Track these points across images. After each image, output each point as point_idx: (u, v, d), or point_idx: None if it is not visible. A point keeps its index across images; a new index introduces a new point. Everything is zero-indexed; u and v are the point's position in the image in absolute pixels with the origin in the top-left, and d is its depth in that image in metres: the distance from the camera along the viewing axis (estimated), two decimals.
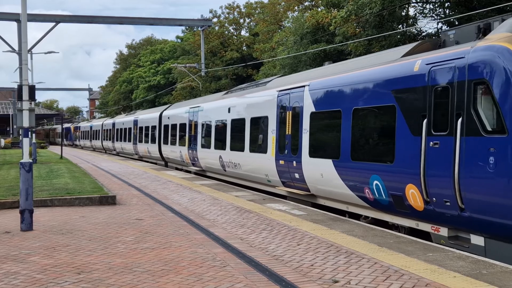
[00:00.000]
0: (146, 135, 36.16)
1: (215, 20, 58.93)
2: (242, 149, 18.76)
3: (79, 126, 74.79)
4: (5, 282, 7.16)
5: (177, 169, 29.37)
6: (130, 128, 41.81)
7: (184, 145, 26.83)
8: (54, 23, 29.35)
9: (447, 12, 26.68)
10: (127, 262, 8.21)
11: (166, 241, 9.76)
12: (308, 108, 14.28)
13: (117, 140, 47.00)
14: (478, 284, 6.85)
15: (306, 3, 42.79)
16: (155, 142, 33.41)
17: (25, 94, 11.43)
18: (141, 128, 37.91)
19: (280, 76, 19.87)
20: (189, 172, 26.58)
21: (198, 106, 25.27)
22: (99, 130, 57.34)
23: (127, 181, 21.12)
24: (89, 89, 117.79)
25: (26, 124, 11.49)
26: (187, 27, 70.97)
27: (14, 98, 58.13)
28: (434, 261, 8.02)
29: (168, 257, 8.52)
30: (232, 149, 19.86)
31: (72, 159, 36.84)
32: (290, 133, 15.29)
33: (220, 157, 21.05)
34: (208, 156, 22.99)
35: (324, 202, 14.15)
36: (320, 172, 13.53)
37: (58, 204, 14.42)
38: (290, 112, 15.37)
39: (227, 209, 13.52)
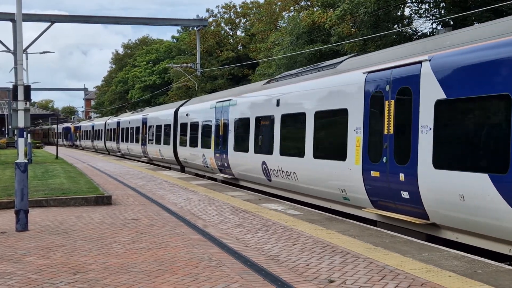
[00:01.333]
0: (158, 135, 31.58)
1: (211, 19, 58.95)
2: (300, 154, 14.50)
3: (80, 126, 70.19)
4: (1, 283, 7.14)
5: (197, 175, 24.95)
6: (138, 128, 37.35)
7: (209, 147, 22.26)
8: (49, 23, 29.31)
9: (443, 12, 26.74)
10: (123, 262, 8.21)
11: (162, 241, 9.76)
12: (431, 94, 9.84)
13: (122, 141, 42.47)
14: (473, 283, 6.87)
15: (302, 3, 42.81)
16: (169, 144, 28.81)
17: (20, 94, 11.41)
18: (151, 127, 33.63)
19: (355, 55, 14.89)
20: (215, 179, 22.18)
21: (229, 100, 20.61)
22: (101, 130, 52.90)
23: (122, 181, 21.10)
24: (85, 89, 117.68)
25: (21, 124, 11.46)
26: (182, 27, 70.99)
27: (9, 98, 57.88)
28: (429, 261, 8.04)
29: (164, 257, 8.52)
30: (283, 153, 15.71)
31: (67, 159, 36.76)
32: (392, 132, 10.86)
33: (264, 163, 16.92)
34: (245, 162, 18.73)
35: (459, 238, 9.67)
36: (458, 193, 9.13)
37: (53, 204, 14.39)
38: (392, 102, 10.86)
39: (223, 209, 13.52)
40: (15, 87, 11.77)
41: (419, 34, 28.08)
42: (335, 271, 7.58)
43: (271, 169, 16.45)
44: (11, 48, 31.47)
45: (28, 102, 12.31)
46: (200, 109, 24.54)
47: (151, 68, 75.11)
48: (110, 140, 48.23)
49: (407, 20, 28.82)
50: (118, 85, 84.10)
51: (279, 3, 46.46)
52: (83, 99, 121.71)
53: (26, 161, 11.31)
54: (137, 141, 37.64)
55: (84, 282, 7.17)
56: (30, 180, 17.77)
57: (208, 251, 8.88)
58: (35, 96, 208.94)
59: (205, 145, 22.89)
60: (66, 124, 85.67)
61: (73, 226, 11.29)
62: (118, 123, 44.57)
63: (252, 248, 9.06)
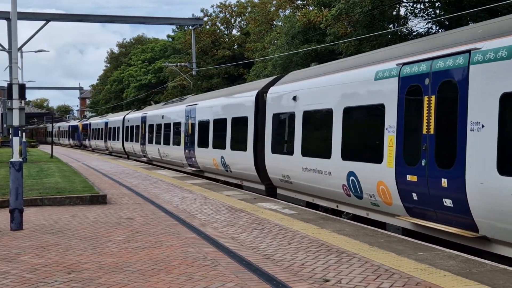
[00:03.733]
0: (220, 135, 20.63)
1: (206, 19, 58.94)
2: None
3: (89, 123, 58.65)
4: None
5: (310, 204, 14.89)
6: (177, 124, 26.79)
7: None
8: (44, 22, 29.23)
9: (438, 12, 26.80)
10: (118, 261, 8.19)
11: (157, 240, 9.74)
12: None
13: (150, 142, 32.51)
14: (468, 283, 6.89)
15: (298, 2, 42.83)
16: (243, 148, 18.26)
17: (15, 93, 11.37)
18: (203, 123, 22.79)
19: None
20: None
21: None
22: (118, 128, 42.78)
23: (118, 180, 21.06)
24: (80, 88, 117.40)
25: (16, 123, 11.42)
26: (178, 26, 70.95)
27: (4, 97, 57.70)
28: (424, 260, 8.06)
29: (159, 256, 8.50)
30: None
31: (62, 159, 36.67)
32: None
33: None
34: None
35: None
36: None
37: (48, 204, 14.36)
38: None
39: (218, 208, 13.52)
40: (10, 86, 11.73)
41: (414, 33, 28.14)
42: (330, 270, 7.59)
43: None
44: (6, 46, 31.38)
45: (23, 101, 12.27)
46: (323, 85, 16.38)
47: (146, 67, 75.02)
48: (131, 141, 38.13)
49: (402, 19, 28.88)
50: (114, 84, 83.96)
51: (274, 1, 46.48)
52: (78, 98, 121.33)
53: (21, 160, 11.28)
54: (176, 143, 26.84)
55: (78, 281, 7.15)
56: (25, 179, 17.72)
57: (203, 250, 8.88)
58: (31, 95, 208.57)
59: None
60: (72, 122, 75.92)
61: (68, 225, 11.27)
62: (143, 119, 34.66)
63: (247, 247, 9.06)
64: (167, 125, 28.58)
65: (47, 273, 7.57)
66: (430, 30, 27.52)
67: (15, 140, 11.50)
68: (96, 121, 55.22)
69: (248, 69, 48.29)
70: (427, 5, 27.93)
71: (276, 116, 16.22)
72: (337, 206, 13.13)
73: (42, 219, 12.06)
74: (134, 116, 38.30)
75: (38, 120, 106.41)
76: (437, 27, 27.35)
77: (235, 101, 20.15)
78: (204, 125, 22.55)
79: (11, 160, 11.04)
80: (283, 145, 15.76)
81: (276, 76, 19.07)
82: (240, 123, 18.83)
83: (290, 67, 32.57)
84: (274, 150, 16.15)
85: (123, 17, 36.91)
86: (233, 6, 61.04)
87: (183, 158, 25.52)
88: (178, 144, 26.22)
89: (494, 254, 8.70)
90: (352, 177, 11.84)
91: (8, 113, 11.59)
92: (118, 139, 43.07)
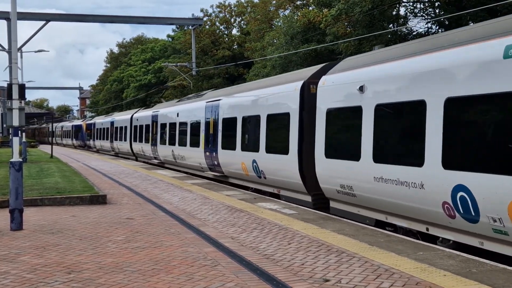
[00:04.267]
0: (251, 135, 17.69)
1: (205, 19, 58.98)
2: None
3: (94, 123, 55.21)
4: None
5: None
6: (195, 123, 23.41)
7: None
8: (44, 22, 29.24)
9: (437, 11, 26.81)
10: (118, 261, 8.19)
11: (157, 240, 9.74)
12: None
13: (162, 143, 29.24)
14: (468, 282, 6.89)
15: (298, 2, 42.86)
16: (284, 150, 15.31)
17: (15, 93, 11.38)
18: (228, 121, 19.60)
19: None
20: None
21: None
22: (125, 127, 39.73)
23: (118, 180, 21.06)
24: (80, 88, 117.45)
25: (16, 123, 11.43)
26: (178, 26, 70.97)
27: (4, 97, 57.67)
28: (424, 260, 8.06)
29: (159, 256, 8.51)
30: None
31: (62, 159, 36.68)
32: None
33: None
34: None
35: None
36: None
37: (48, 204, 14.35)
38: None
39: (218, 208, 13.51)
40: (10, 86, 11.73)
41: (414, 33, 28.15)
42: (330, 270, 7.59)
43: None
44: (6, 46, 31.38)
45: (22, 101, 12.28)
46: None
47: (146, 67, 75.03)
48: (141, 141, 35.00)
49: (402, 19, 28.90)
50: (113, 84, 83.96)
51: (274, 1, 46.51)
52: (78, 98, 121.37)
53: (21, 160, 11.28)
54: (193, 145, 23.52)
55: (78, 281, 7.15)
56: (25, 179, 17.72)
57: (203, 250, 8.88)
58: (30, 95, 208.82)
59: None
60: (76, 122, 72.40)
61: (67, 225, 11.27)
62: (154, 118, 31.45)
63: (247, 247, 9.06)
64: (183, 124, 25.32)
65: (47, 273, 7.57)
66: (430, 30, 27.53)
67: (15, 140, 11.50)
68: (101, 121, 52.10)
69: (248, 69, 48.31)
70: (426, 4, 27.93)
71: (332, 112, 13.13)
72: (427, 229, 10.16)
73: (42, 219, 12.06)
74: (143, 114, 35.09)
75: (40, 120, 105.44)
76: (437, 27, 27.36)
77: (271, 94, 16.83)
78: (230, 123, 19.29)
79: (11, 160, 11.04)
80: (343, 148, 12.70)
81: (325, 64, 15.54)
82: (279, 120, 15.91)
83: (289, 67, 32.59)
84: (330, 154, 13.05)
85: (122, 17, 36.92)
86: (232, 6, 61.10)
87: (203, 162, 22.18)
88: (197, 146, 22.93)
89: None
90: (461, 193, 8.95)
91: (8, 113, 11.59)
92: (125, 140, 40.00)
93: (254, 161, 17.14)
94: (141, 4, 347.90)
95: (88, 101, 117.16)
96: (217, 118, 20.67)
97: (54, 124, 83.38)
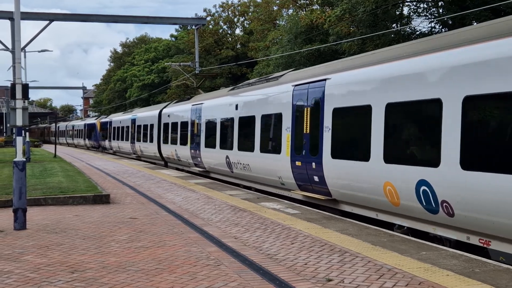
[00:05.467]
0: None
1: (209, 18, 59.06)
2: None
3: (110, 121, 48.20)
4: None
5: None
6: (269, 117, 16.54)
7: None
8: (48, 22, 29.29)
9: (441, 11, 26.77)
10: (121, 261, 8.20)
11: (160, 240, 9.76)
12: None
13: (210, 146, 22.00)
14: (471, 282, 6.88)
15: (301, 1, 42.85)
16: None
17: (19, 93, 11.40)
18: (344, 113, 12.60)
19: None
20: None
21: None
22: (152, 125, 32.82)
23: (121, 180, 21.08)
24: (83, 88, 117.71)
25: (19, 122, 11.45)
26: (181, 26, 71.05)
27: (8, 97, 57.70)
28: (427, 260, 8.05)
29: (162, 256, 8.51)
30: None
31: (66, 158, 36.74)
32: None
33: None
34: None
35: None
36: None
37: (51, 203, 14.38)
38: None
39: (221, 208, 13.52)
40: (13, 86, 11.76)
41: (417, 33, 28.11)
42: (333, 270, 7.59)
43: None
44: (10, 46, 31.45)
45: (26, 101, 12.30)
46: None
47: (149, 66, 75.12)
48: (173, 143, 28.12)
49: (405, 19, 28.86)
50: (117, 83, 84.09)
51: (278, 1, 46.52)
52: (82, 97, 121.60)
53: (24, 159, 11.30)
54: (275, 150, 15.80)
55: (82, 281, 7.16)
56: (28, 178, 17.75)
57: (206, 250, 8.88)
58: (35, 95, 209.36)
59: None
60: (88, 120, 65.45)
61: (71, 225, 11.29)
62: (196, 113, 24.50)
63: (250, 247, 9.06)
64: (246, 121, 18.17)
65: (50, 272, 7.58)
66: (433, 29, 27.50)
67: (19, 140, 11.53)
68: (119, 118, 44.51)
69: (251, 68, 48.32)
70: (430, 4, 27.89)
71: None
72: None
73: (46, 219, 12.08)
74: (178, 109, 28.23)
75: (44, 119, 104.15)
76: (440, 27, 27.32)
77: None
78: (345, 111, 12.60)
79: (15, 159, 11.06)
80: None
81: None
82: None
83: (292, 66, 32.60)
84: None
85: (126, 17, 36.98)
86: (235, 6, 61.14)
87: (284, 175, 15.39)
88: (274, 151, 15.97)
89: None
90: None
91: (12, 112, 11.61)
92: (151, 141, 32.97)
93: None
94: (145, 4, 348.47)
95: (91, 101, 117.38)
96: (310, 110, 14.12)
97: (65, 123, 79.49)
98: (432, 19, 27.71)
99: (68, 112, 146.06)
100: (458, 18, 21.30)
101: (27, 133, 31.33)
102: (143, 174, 24.20)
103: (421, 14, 28.30)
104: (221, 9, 61.38)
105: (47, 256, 8.52)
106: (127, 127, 40.38)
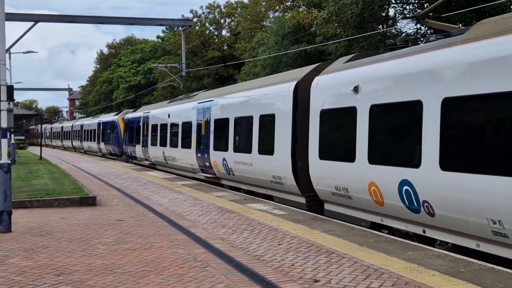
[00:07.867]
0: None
1: (195, 20, 58.95)
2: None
3: (143, 116, 31.87)
4: None
5: None
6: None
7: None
8: (33, 23, 29.07)
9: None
10: (108, 263, 8.16)
11: (147, 242, 9.72)
12: None
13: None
14: (456, 282, 6.93)
15: (288, 3, 42.92)
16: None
17: (3, 95, 11.31)
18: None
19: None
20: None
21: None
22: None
23: (107, 182, 20.98)
24: (69, 89, 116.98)
25: (4, 124, 11.36)
26: (167, 27, 70.85)
27: None
28: (413, 260, 8.10)
29: (149, 258, 8.49)
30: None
31: (51, 160, 36.49)
32: None
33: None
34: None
35: None
36: None
37: (37, 205, 14.28)
38: None
39: (208, 210, 13.50)
40: None
41: (403, 34, 28.26)
42: (320, 270, 7.61)
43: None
44: None
45: (11, 102, 12.20)
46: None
47: (136, 68, 74.84)
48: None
49: (391, 20, 29.02)
50: (103, 85, 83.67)
51: (264, 2, 46.55)
52: (68, 99, 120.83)
53: (9, 161, 11.21)
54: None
55: (68, 283, 7.12)
56: (14, 181, 17.61)
57: (193, 252, 8.87)
58: (20, 96, 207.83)
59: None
60: (104, 117, 46.75)
61: (57, 227, 11.21)
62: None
63: (237, 248, 9.06)
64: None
65: (36, 275, 7.53)
66: (419, 30, 27.66)
67: (3, 142, 11.43)
68: (151, 113, 30.25)
69: (238, 69, 48.31)
70: (415, 6, 28.06)
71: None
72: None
73: (31, 221, 11.99)
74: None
75: (51, 118, 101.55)
76: (426, 28, 27.49)
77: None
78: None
79: None
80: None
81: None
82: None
83: (279, 67, 32.63)
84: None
85: (111, 18, 36.71)
86: (222, 7, 61.11)
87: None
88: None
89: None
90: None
91: None
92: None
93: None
94: (135, 5, 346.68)
95: (77, 102, 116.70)
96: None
97: (71, 122, 67.57)
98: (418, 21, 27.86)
99: (53, 113, 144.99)
100: (443, 19, 21.44)
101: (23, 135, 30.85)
102: (130, 175, 24.10)
103: (407, 16, 28.45)
104: (207, 10, 61.33)
105: (33, 259, 8.46)
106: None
